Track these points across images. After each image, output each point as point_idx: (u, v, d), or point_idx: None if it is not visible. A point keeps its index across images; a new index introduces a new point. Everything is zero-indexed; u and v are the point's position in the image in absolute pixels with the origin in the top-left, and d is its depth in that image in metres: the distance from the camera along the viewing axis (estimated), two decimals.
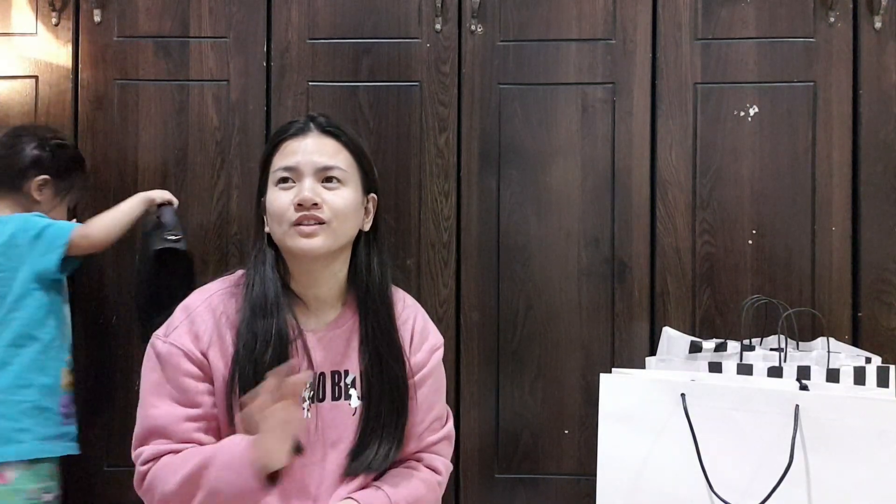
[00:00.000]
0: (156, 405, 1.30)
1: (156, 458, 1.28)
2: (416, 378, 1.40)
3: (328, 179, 1.33)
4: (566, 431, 1.93)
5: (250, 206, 1.95)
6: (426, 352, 1.43)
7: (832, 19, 1.92)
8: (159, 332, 1.34)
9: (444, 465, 1.45)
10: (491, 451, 1.94)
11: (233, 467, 1.21)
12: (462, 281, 1.96)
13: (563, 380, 1.94)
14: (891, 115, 1.91)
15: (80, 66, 2.00)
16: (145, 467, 1.29)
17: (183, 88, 1.99)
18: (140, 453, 1.30)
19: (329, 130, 1.36)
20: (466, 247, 1.96)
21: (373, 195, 1.41)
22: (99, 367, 1.95)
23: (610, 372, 1.53)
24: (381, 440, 1.36)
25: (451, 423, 1.48)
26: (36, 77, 2.01)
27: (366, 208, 1.39)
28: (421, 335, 1.44)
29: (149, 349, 1.34)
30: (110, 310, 1.97)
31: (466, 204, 1.96)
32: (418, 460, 1.42)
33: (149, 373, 1.33)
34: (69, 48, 2.00)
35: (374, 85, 1.98)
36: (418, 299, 1.54)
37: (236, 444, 1.24)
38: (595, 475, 1.48)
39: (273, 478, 1.23)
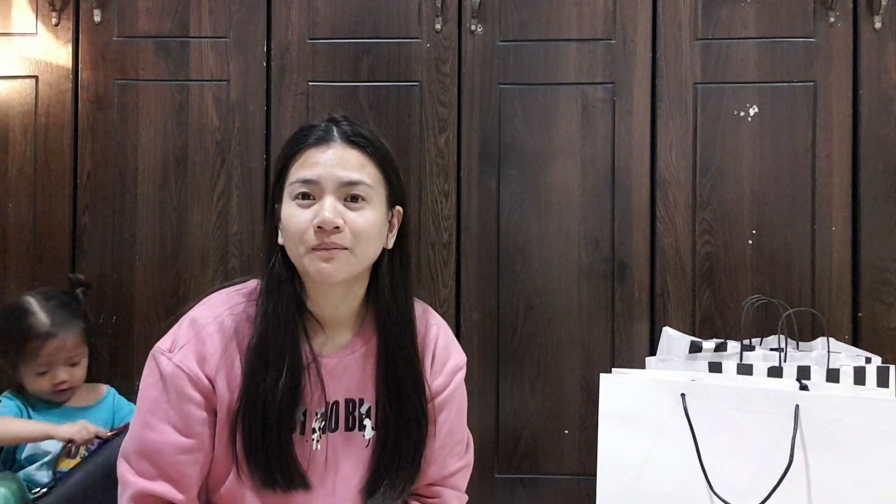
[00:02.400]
0: (154, 427, 1.21)
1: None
2: (437, 401, 1.31)
3: (352, 198, 1.20)
4: (566, 431, 1.93)
5: (250, 206, 1.96)
6: (448, 374, 1.34)
7: (832, 19, 1.92)
8: (163, 345, 1.23)
9: (459, 500, 1.39)
10: (491, 451, 1.94)
11: None
12: (462, 281, 1.96)
13: (563, 380, 1.94)
14: (891, 115, 1.91)
15: (80, 66, 2.00)
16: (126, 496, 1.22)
17: (183, 88, 1.99)
18: (126, 480, 1.23)
19: (354, 140, 1.22)
20: (466, 247, 1.96)
21: (398, 208, 1.28)
22: (99, 367, 1.95)
23: (610, 372, 1.52)
24: (395, 476, 1.27)
25: (471, 452, 1.42)
26: (36, 77, 2.01)
27: (390, 222, 1.26)
28: (442, 357, 1.34)
29: (151, 361, 1.24)
30: (110, 310, 1.97)
31: (466, 204, 1.96)
32: (434, 496, 1.36)
33: (149, 388, 1.23)
34: (69, 48, 2.00)
35: (374, 85, 1.97)
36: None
37: None
38: (595, 475, 1.47)
39: None
